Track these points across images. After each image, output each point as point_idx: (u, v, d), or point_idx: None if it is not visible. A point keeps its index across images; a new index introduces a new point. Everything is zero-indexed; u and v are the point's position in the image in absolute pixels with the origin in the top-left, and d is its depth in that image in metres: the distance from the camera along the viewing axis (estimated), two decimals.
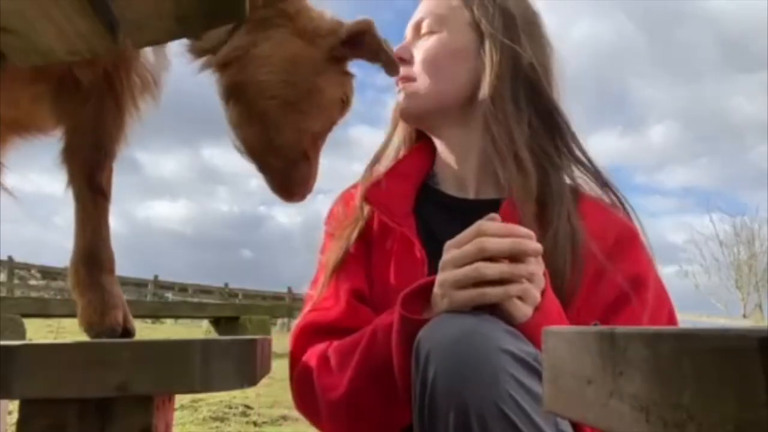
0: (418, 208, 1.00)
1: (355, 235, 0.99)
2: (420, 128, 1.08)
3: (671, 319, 0.92)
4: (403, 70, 1.02)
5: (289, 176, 0.95)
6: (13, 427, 0.66)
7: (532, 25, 1.03)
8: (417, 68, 1.02)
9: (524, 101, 0.97)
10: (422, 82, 1.01)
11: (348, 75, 0.98)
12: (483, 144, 0.98)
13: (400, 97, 1.04)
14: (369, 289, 0.96)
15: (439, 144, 1.06)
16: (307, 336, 0.94)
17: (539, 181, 0.93)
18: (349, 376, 0.83)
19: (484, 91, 0.97)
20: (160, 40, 0.53)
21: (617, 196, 0.98)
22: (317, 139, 0.96)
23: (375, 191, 1.00)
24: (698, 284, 18.61)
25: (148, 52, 0.90)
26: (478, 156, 1.00)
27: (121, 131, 0.92)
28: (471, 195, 1.01)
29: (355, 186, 1.08)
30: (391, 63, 0.93)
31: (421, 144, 1.09)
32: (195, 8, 0.49)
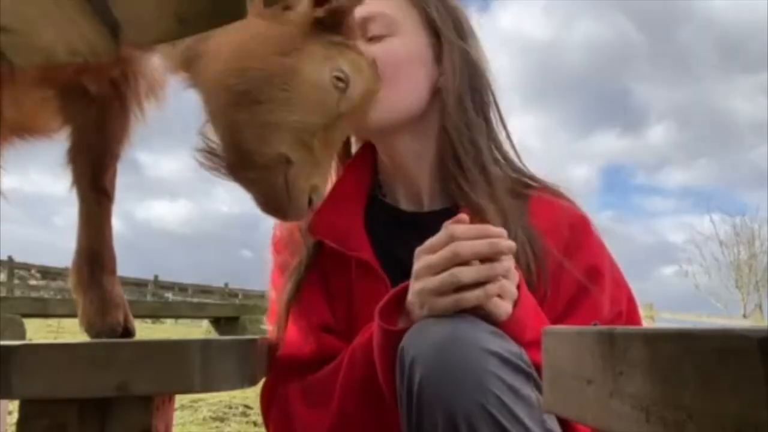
0: (368, 225, 0.92)
1: (303, 269, 0.92)
2: (372, 140, 0.99)
3: (630, 303, 0.92)
4: None
5: (269, 189, 0.75)
6: (13, 427, 0.66)
7: (471, 25, 0.98)
8: None
9: (478, 106, 0.95)
10: (383, 93, 0.88)
11: (340, 45, 0.78)
12: (440, 152, 0.95)
13: None
14: (333, 320, 0.91)
15: (387, 154, 0.97)
16: (281, 375, 0.90)
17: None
18: (334, 406, 0.81)
19: (449, 99, 0.92)
20: (160, 40, 0.52)
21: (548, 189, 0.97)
22: (306, 136, 0.75)
23: (319, 220, 0.89)
24: (698, 284, 18.61)
25: (154, 55, 0.89)
26: (431, 165, 0.95)
27: (126, 133, 0.92)
28: (425, 207, 0.96)
29: None
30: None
31: (357, 158, 1.00)
32: (195, 8, 0.49)
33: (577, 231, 0.92)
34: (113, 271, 0.91)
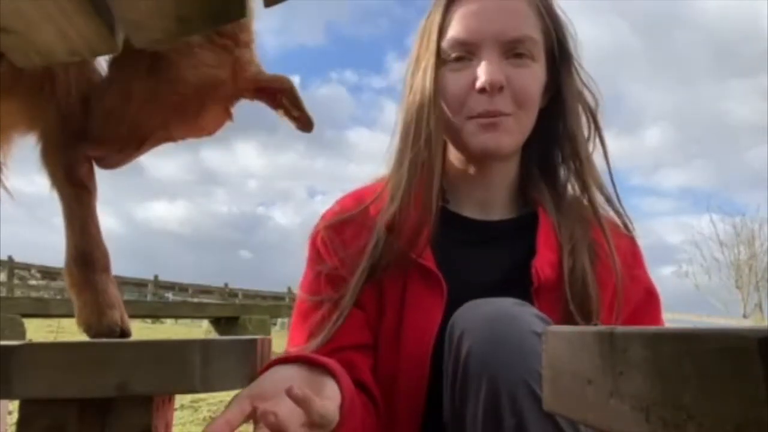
0: (432, 232, 0.90)
1: (365, 276, 0.87)
2: (483, 162, 0.95)
3: None
4: (495, 102, 0.87)
5: None
6: (13, 427, 0.66)
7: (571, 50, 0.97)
8: (511, 101, 0.88)
9: (571, 133, 0.95)
10: (517, 119, 0.89)
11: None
12: (521, 169, 0.97)
13: (485, 130, 0.88)
14: (377, 329, 0.88)
15: (484, 173, 0.95)
16: None
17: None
18: None
19: (570, 130, 0.93)
20: (160, 40, 0.52)
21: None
22: None
23: (394, 222, 0.88)
24: (698, 284, 18.57)
25: None
26: (511, 180, 0.97)
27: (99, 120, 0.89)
28: (493, 216, 0.96)
29: (342, 209, 0.95)
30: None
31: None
32: (195, 8, 0.49)
33: (629, 257, 0.93)
34: (106, 269, 0.88)
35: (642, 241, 0.97)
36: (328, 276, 0.91)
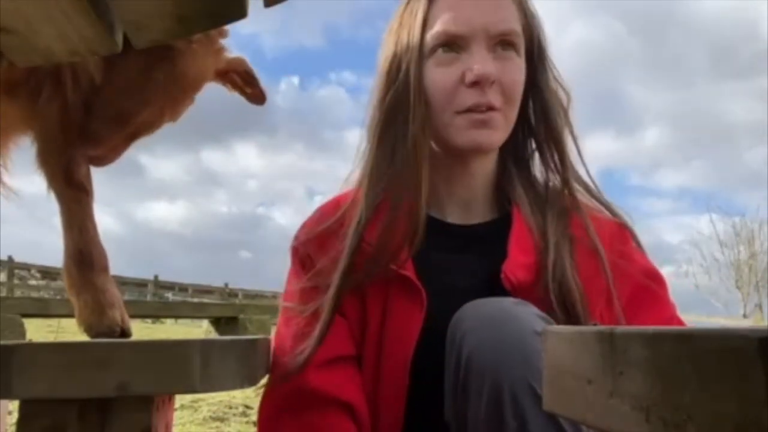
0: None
1: (339, 293, 0.85)
2: (466, 157, 0.93)
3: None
4: (486, 96, 0.86)
5: None
6: (13, 427, 0.66)
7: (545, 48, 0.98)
8: (500, 95, 0.88)
9: (546, 128, 0.95)
10: (505, 114, 0.89)
11: None
12: (498, 168, 0.96)
13: (476, 126, 0.87)
14: (362, 339, 0.86)
15: (466, 172, 0.94)
16: (282, 405, 0.86)
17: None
18: None
19: (547, 126, 0.93)
20: (160, 40, 0.52)
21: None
22: None
23: (373, 233, 0.87)
24: (698, 284, 18.54)
25: None
26: (489, 180, 0.96)
27: (96, 121, 0.89)
28: (473, 220, 0.94)
29: (322, 216, 0.94)
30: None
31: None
32: (195, 8, 0.49)
33: (617, 242, 0.92)
34: (105, 269, 0.88)
35: (641, 241, 0.96)
36: (312, 289, 0.89)
